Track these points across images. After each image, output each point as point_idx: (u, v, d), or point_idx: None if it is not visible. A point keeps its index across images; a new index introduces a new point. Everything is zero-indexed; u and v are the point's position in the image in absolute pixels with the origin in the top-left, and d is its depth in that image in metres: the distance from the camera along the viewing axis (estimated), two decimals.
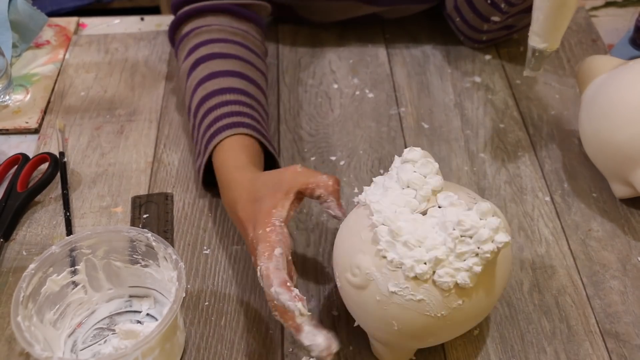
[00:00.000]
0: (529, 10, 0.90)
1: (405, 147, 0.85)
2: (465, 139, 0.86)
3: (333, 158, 0.84)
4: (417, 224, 0.58)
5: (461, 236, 0.56)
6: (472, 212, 0.57)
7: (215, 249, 0.74)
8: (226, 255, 0.74)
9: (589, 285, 0.71)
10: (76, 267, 0.66)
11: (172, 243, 0.75)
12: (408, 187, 0.60)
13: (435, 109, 0.90)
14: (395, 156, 0.64)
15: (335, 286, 0.71)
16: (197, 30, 0.84)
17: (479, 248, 0.56)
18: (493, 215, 0.57)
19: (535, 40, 0.72)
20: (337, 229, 0.75)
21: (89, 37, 1.01)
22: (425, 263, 0.56)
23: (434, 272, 0.56)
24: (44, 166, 0.81)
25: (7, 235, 0.75)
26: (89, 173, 0.82)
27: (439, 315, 0.57)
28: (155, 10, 1.68)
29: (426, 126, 0.88)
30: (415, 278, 0.56)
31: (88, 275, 0.67)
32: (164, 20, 1.05)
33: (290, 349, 0.66)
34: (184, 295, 0.60)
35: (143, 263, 0.67)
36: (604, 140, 0.75)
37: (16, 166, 0.81)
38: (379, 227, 0.58)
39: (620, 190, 0.77)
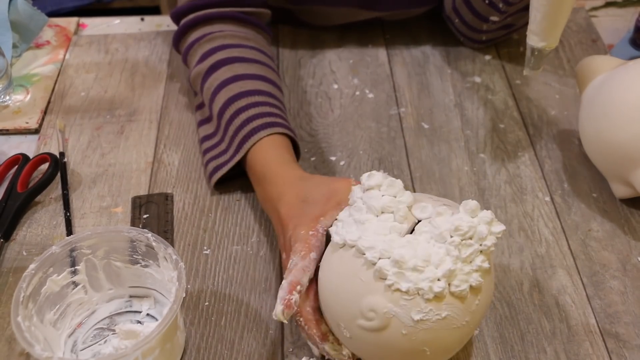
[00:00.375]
0: (527, 8, 0.90)
1: (406, 147, 0.85)
2: (465, 139, 0.86)
3: (333, 158, 0.84)
4: (414, 245, 0.57)
5: (462, 240, 0.56)
6: (463, 214, 0.57)
7: (215, 249, 0.74)
8: (226, 255, 0.74)
9: (589, 286, 0.71)
10: (76, 267, 0.66)
11: (172, 243, 0.75)
12: (383, 212, 0.59)
13: (435, 109, 0.90)
14: (353, 187, 0.63)
15: None
16: (209, 36, 0.84)
17: (481, 245, 0.57)
18: (481, 209, 0.58)
19: (534, 39, 0.72)
20: None
21: (89, 38, 1.01)
22: (439, 279, 0.55)
23: (449, 284, 0.56)
24: (44, 166, 0.81)
25: (7, 235, 0.75)
26: (89, 173, 0.82)
27: (464, 322, 0.57)
28: (155, 11, 1.68)
29: (426, 126, 0.88)
30: (435, 297, 0.55)
31: (88, 276, 0.67)
32: (164, 21, 1.05)
33: (291, 349, 0.66)
34: (184, 295, 0.60)
35: (143, 263, 0.67)
36: (604, 141, 0.75)
37: (16, 166, 0.81)
38: (379, 261, 0.56)
39: (620, 190, 0.77)
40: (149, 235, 0.64)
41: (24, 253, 0.74)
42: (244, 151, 0.75)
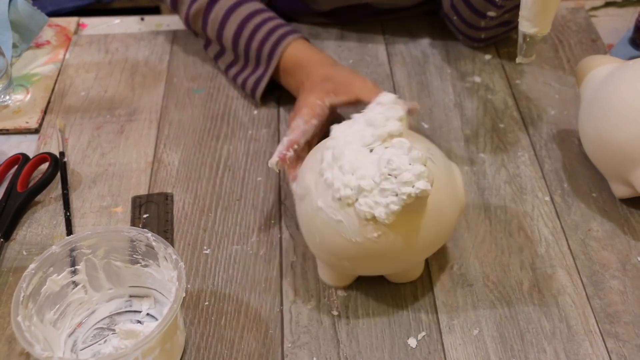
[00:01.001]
0: None
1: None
2: (465, 139, 0.86)
3: None
4: (360, 155, 0.62)
5: (388, 174, 0.59)
6: (404, 156, 0.60)
7: (215, 249, 0.74)
8: (226, 255, 0.74)
9: (588, 285, 0.71)
10: (76, 267, 0.66)
11: (172, 243, 0.75)
12: (370, 125, 0.64)
13: (435, 109, 0.90)
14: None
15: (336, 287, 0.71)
16: None
17: (399, 189, 0.59)
18: (425, 165, 0.60)
19: (525, 25, 0.72)
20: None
21: (89, 37, 1.01)
22: (351, 189, 0.61)
23: (356, 199, 0.61)
24: (44, 166, 0.81)
25: (7, 235, 0.75)
26: (89, 173, 0.82)
27: (353, 240, 0.62)
28: (155, 10, 1.67)
29: (426, 126, 0.88)
30: (340, 200, 0.61)
31: (88, 275, 0.67)
32: (164, 20, 1.05)
33: (291, 349, 0.66)
34: (184, 295, 0.60)
35: (143, 263, 0.67)
36: (603, 140, 0.75)
37: (16, 166, 0.81)
38: (327, 150, 0.64)
39: (620, 190, 0.77)
40: (149, 235, 0.64)
41: (24, 253, 0.74)
42: (278, 57, 0.85)
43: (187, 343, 0.67)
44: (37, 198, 0.79)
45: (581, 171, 0.82)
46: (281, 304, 0.70)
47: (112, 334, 0.67)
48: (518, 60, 0.75)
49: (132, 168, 0.83)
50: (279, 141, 0.86)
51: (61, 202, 0.79)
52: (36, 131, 0.87)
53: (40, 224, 0.77)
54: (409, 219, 0.61)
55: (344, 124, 0.67)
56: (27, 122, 0.88)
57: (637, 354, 0.66)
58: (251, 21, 0.88)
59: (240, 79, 0.90)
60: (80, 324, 0.67)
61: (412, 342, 0.66)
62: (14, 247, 0.74)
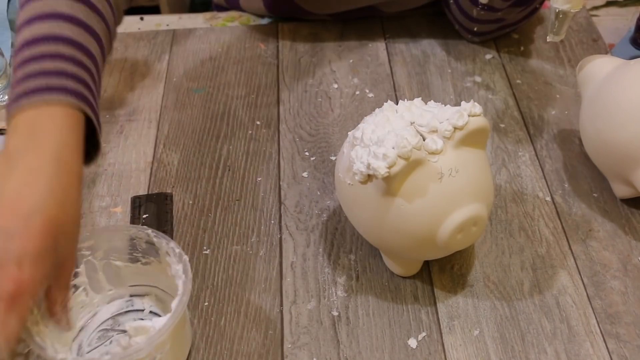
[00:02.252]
0: (518, 4, 0.90)
1: None
2: None
3: (333, 158, 0.84)
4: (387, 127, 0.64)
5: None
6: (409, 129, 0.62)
7: (215, 249, 0.74)
8: (226, 255, 0.74)
9: (589, 286, 0.71)
10: (77, 269, 0.65)
11: None
12: (411, 123, 0.64)
13: None
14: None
15: (336, 286, 0.71)
16: None
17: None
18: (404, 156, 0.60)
19: (558, 1, 0.72)
20: (336, 229, 0.75)
21: None
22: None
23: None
24: None
25: None
26: (88, 173, 0.82)
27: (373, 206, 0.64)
28: (154, 10, 1.68)
29: None
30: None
31: (88, 277, 0.67)
32: (164, 20, 1.05)
33: (291, 349, 0.66)
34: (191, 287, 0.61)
35: (144, 261, 0.67)
36: (604, 140, 0.75)
37: None
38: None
39: (621, 190, 0.77)
40: (149, 231, 0.64)
41: None
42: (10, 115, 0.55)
43: None
44: None
45: (582, 171, 0.82)
46: (281, 304, 0.69)
47: (117, 334, 0.67)
48: (549, 38, 0.75)
49: (131, 168, 0.83)
50: (279, 141, 0.86)
51: None
52: None
53: None
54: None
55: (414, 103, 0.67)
56: None
57: (638, 355, 0.65)
58: (30, 48, 0.58)
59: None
60: (82, 328, 0.67)
61: (412, 342, 0.66)
62: None
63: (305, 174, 0.82)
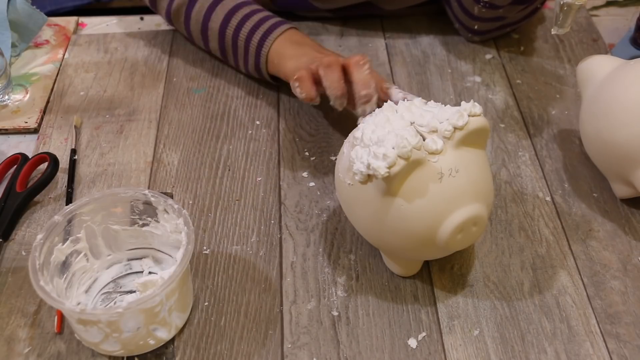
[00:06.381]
0: (519, 1, 0.90)
1: None
2: None
3: (333, 158, 0.84)
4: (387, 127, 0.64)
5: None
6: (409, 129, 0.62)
7: (215, 249, 0.74)
8: (226, 255, 0.74)
9: (589, 286, 0.71)
10: (78, 235, 0.67)
11: None
12: (411, 123, 0.64)
13: None
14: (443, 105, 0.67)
15: (336, 286, 0.71)
16: None
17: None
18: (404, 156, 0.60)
19: None
20: (336, 229, 0.75)
21: (88, 37, 1.01)
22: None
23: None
24: (43, 166, 0.81)
25: (6, 235, 0.75)
26: (88, 173, 0.82)
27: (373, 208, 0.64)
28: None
29: None
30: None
31: (89, 243, 0.68)
32: (164, 20, 1.05)
33: (291, 349, 0.66)
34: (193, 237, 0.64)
35: (141, 222, 0.69)
36: (604, 140, 0.75)
37: (15, 166, 0.80)
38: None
39: (621, 190, 0.77)
40: (147, 192, 0.67)
41: (23, 253, 0.74)
42: (268, 46, 0.85)
43: (185, 343, 0.66)
44: (36, 198, 0.79)
45: (582, 171, 0.82)
46: (281, 304, 0.69)
47: (120, 295, 0.69)
48: (553, 31, 0.75)
49: (131, 168, 0.83)
50: (279, 141, 0.86)
51: (60, 202, 0.78)
52: (35, 131, 0.87)
53: (40, 224, 0.77)
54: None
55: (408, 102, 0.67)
56: (26, 122, 0.88)
57: (638, 355, 0.65)
58: (240, 11, 0.88)
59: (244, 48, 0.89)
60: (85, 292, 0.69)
61: (412, 342, 0.66)
62: (13, 247, 0.74)
63: (305, 174, 0.82)
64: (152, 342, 0.64)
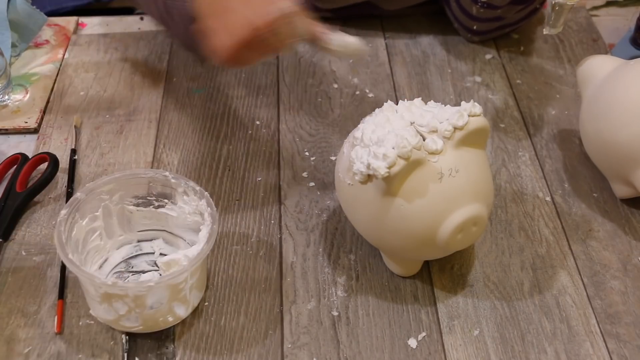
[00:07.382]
0: (517, 2, 0.90)
1: None
2: None
3: (333, 158, 0.84)
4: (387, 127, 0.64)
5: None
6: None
7: (215, 249, 0.74)
8: (226, 255, 0.74)
9: (589, 286, 0.71)
10: (95, 213, 0.68)
11: None
12: (412, 123, 0.64)
13: None
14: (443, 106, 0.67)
15: (336, 286, 0.71)
16: None
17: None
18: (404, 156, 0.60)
19: None
20: (336, 229, 0.75)
21: (88, 37, 1.01)
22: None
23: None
24: (43, 166, 0.81)
25: (6, 235, 0.75)
26: (88, 173, 0.82)
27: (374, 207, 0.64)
28: None
29: None
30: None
31: (104, 222, 0.69)
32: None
33: (291, 349, 0.66)
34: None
35: (157, 204, 0.70)
36: (604, 140, 0.75)
37: (15, 166, 0.80)
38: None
39: (621, 190, 0.77)
40: (167, 173, 0.68)
41: (23, 253, 0.74)
42: None
43: (185, 344, 0.66)
44: (36, 198, 0.79)
45: (582, 171, 0.82)
46: (281, 304, 0.69)
47: (132, 275, 0.70)
48: (545, 31, 0.75)
49: (131, 168, 0.82)
50: (279, 141, 0.86)
51: (60, 202, 0.78)
52: (35, 131, 0.87)
53: (40, 224, 0.77)
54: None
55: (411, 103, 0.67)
56: (26, 122, 0.88)
57: (638, 355, 0.65)
58: None
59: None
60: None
61: (412, 342, 0.66)
62: (13, 247, 0.74)
63: (305, 174, 0.82)
64: (170, 319, 0.65)
